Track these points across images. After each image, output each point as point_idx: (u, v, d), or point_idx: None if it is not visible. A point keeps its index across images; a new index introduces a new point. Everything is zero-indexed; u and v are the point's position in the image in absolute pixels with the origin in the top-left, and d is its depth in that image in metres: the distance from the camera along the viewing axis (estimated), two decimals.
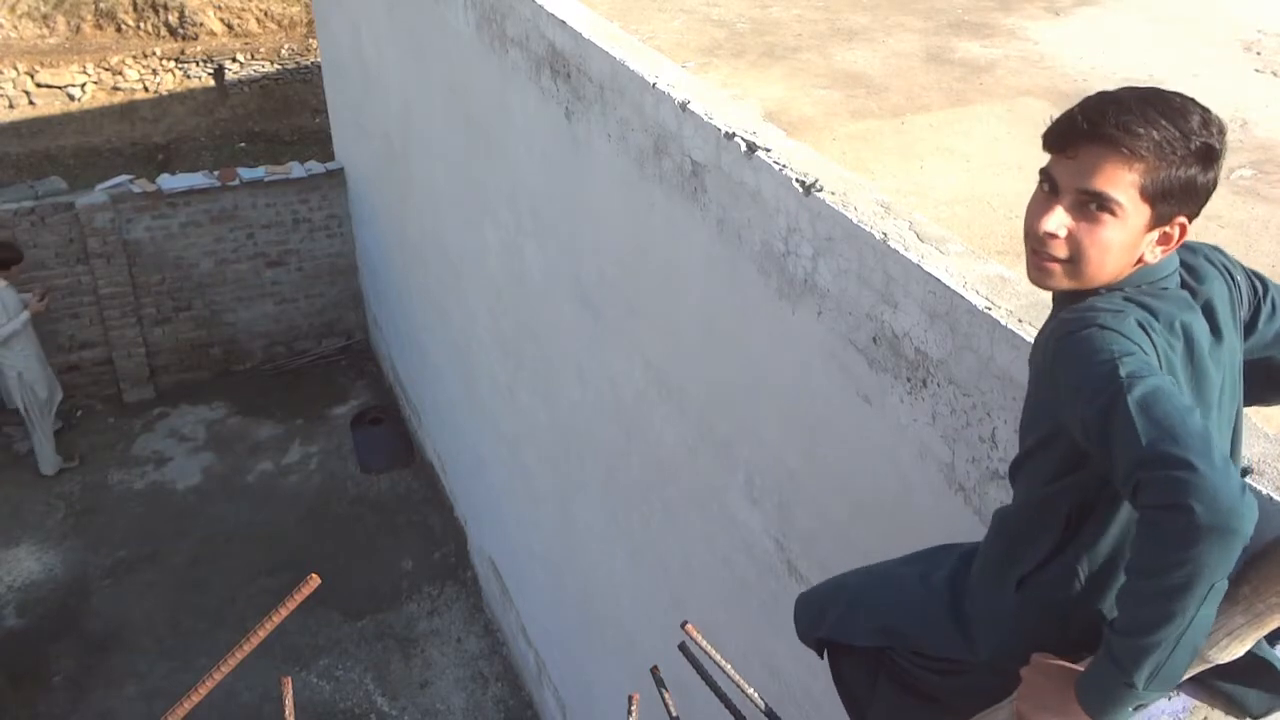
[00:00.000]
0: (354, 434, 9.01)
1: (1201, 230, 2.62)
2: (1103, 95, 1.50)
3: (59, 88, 13.20)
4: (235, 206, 9.32)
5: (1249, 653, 1.46)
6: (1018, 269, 2.33)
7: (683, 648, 2.10)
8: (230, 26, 14.10)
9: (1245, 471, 1.72)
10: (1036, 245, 1.53)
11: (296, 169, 9.52)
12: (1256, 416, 1.83)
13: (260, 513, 8.38)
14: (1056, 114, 1.53)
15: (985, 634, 1.68)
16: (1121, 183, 1.45)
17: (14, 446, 8.95)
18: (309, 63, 13.85)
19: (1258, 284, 1.69)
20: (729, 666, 2.00)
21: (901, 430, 2.48)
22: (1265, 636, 1.45)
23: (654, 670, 2.18)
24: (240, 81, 13.90)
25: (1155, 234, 1.50)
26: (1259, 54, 4.02)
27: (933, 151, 3.22)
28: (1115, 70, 3.72)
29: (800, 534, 3.09)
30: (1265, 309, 1.69)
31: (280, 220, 9.55)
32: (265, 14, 14.20)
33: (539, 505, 5.97)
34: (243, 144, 13.63)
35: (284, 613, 1.50)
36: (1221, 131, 1.47)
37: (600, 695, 5.54)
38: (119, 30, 13.76)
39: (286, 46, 14.02)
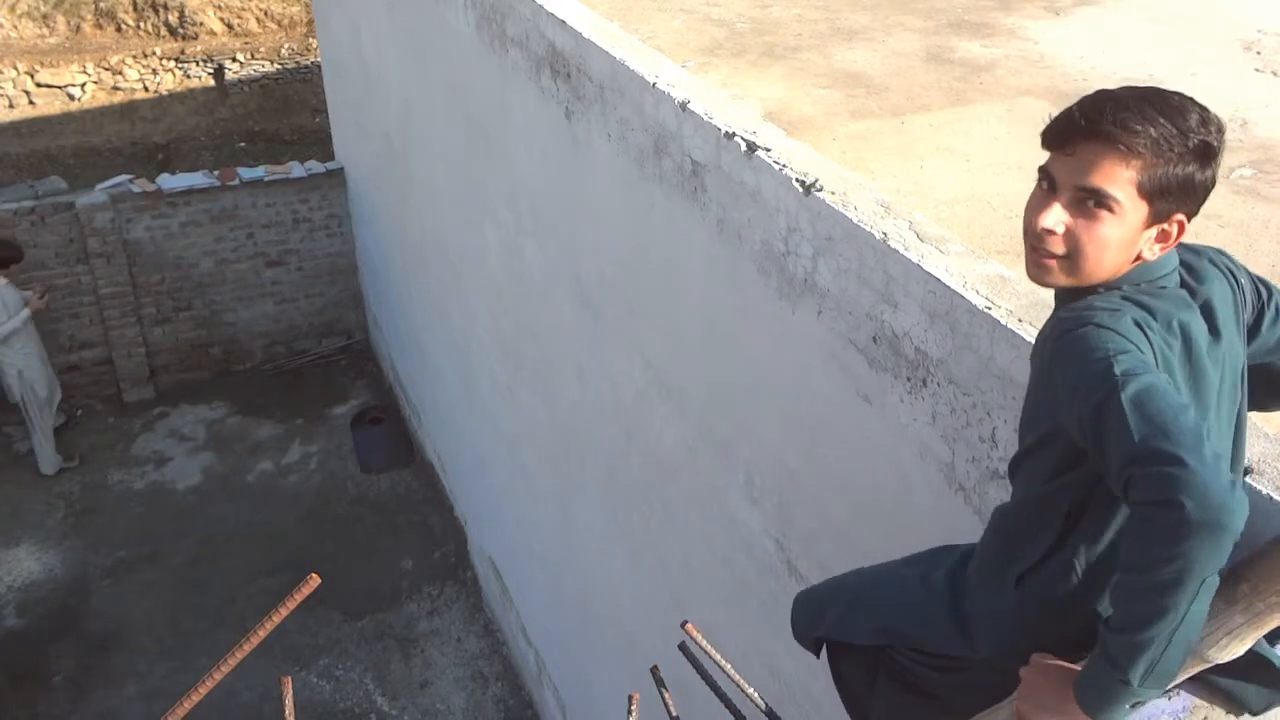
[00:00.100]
0: (354, 434, 9.01)
1: (1201, 230, 2.63)
2: (1101, 93, 1.50)
3: (59, 87, 13.20)
4: (235, 206, 9.33)
5: (1249, 651, 1.46)
6: (1018, 269, 2.33)
7: (683, 648, 2.11)
8: (230, 26, 14.10)
9: (1246, 471, 1.72)
10: (1035, 242, 1.53)
11: (296, 169, 9.52)
12: (1256, 417, 1.83)
13: (260, 513, 8.38)
14: (1056, 113, 1.53)
15: (984, 631, 1.69)
16: (1119, 180, 1.45)
17: (14, 446, 8.95)
18: (309, 62, 13.85)
19: (1262, 289, 1.70)
20: (729, 666, 2.00)
21: (901, 430, 2.48)
22: (1265, 635, 1.45)
23: (654, 670, 2.18)
24: (240, 81, 13.90)
25: (1153, 231, 1.50)
26: (1259, 54, 4.02)
27: (933, 151, 3.21)
28: (1115, 70, 3.72)
29: (800, 534, 3.09)
30: (1269, 314, 1.69)
31: (280, 220, 9.55)
32: (265, 14, 14.20)
33: (539, 505, 5.97)
34: (243, 144, 13.63)
35: (284, 613, 1.50)
36: (1220, 130, 1.47)
37: (600, 695, 5.54)
38: (119, 30, 13.76)
39: (286, 46, 14.02)
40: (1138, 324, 1.44)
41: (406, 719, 6.86)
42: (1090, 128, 1.46)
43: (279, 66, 14.03)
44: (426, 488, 8.73)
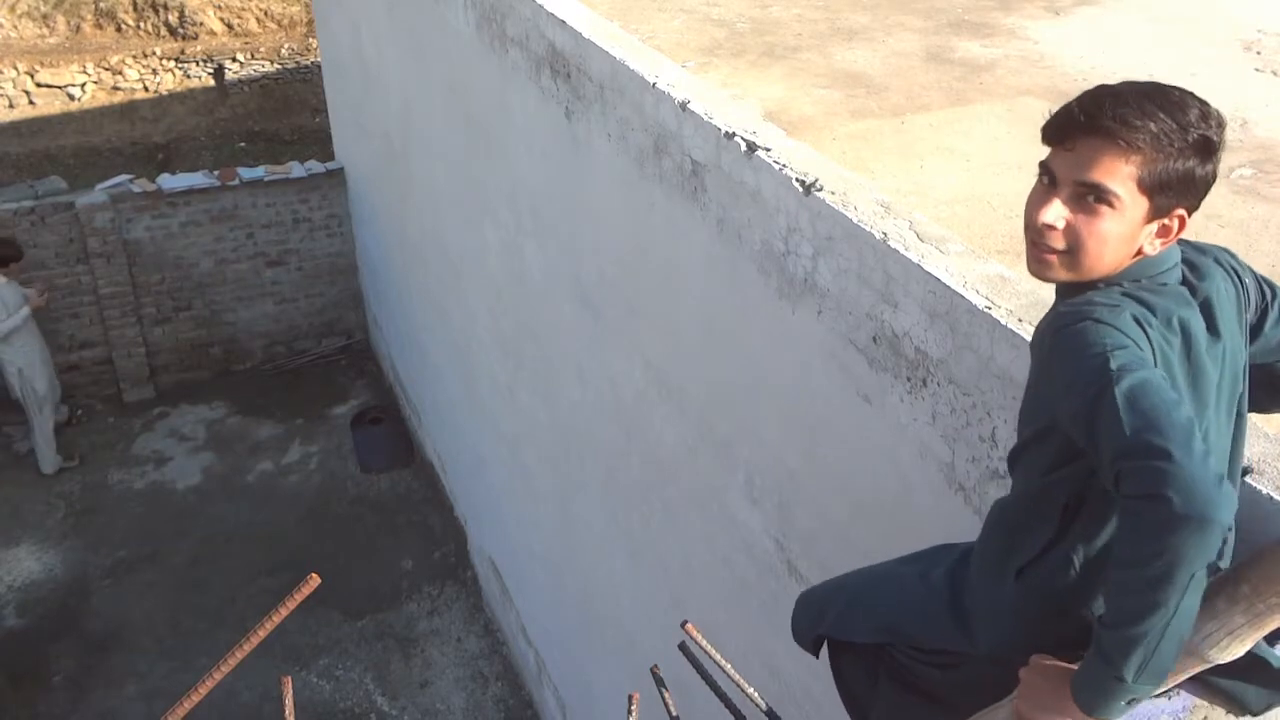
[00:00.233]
0: (354, 434, 9.01)
1: (1201, 230, 2.63)
2: (1101, 88, 1.50)
3: (59, 87, 13.20)
4: (235, 206, 9.33)
5: (1249, 652, 1.46)
6: (1018, 268, 2.33)
7: (683, 647, 2.11)
8: (230, 26, 14.10)
9: (1246, 471, 1.72)
10: (1035, 237, 1.54)
11: (296, 169, 9.52)
12: (1256, 417, 1.83)
13: (260, 513, 8.38)
14: (1056, 109, 1.54)
15: (984, 626, 1.69)
16: (1119, 175, 1.45)
17: (14, 446, 8.95)
18: (309, 62, 13.84)
19: (1267, 289, 1.70)
20: (729, 666, 2.00)
21: (901, 430, 2.48)
22: (1265, 636, 1.45)
23: (654, 670, 2.18)
24: (240, 81, 13.90)
25: (1154, 226, 1.51)
26: (1259, 54, 4.02)
27: (933, 151, 3.21)
28: (1115, 70, 3.71)
29: (800, 534, 3.09)
30: (1273, 314, 1.69)
31: (280, 220, 9.55)
32: (265, 14, 14.19)
33: (539, 505, 5.97)
34: (243, 144, 13.63)
35: (284, 613, 1.50)
36: (1220, 125, 1.47)
37: (600, 695, 5.54)
38: (119, 30, 13.76)
39: (286, 46, 14.02)
40: (1136, 320, 1.44)
41: (406, 719, 6.86)
42: (1090, 123, 1.46)
43: (279, 66, 14.02)
44: (426, 488, 8.73)
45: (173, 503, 8.46)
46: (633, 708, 2.06)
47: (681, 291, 3.53)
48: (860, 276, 2.51)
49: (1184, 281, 1.57)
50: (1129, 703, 1.36)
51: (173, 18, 13.81)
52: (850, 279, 2.55)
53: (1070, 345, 1.43)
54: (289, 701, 1.75)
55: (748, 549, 3.44)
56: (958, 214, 2.84)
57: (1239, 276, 1.65)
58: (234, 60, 13.83)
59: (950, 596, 1.76)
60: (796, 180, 2.67)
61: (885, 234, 2.40)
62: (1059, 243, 1.51)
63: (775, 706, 2.09)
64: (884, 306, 2.44)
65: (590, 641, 5.56)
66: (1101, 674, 1.35)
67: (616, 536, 4.78)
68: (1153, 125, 1.43)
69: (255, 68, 13.92)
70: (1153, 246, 1.52)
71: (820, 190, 2.60)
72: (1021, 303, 2.12)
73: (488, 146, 5.34)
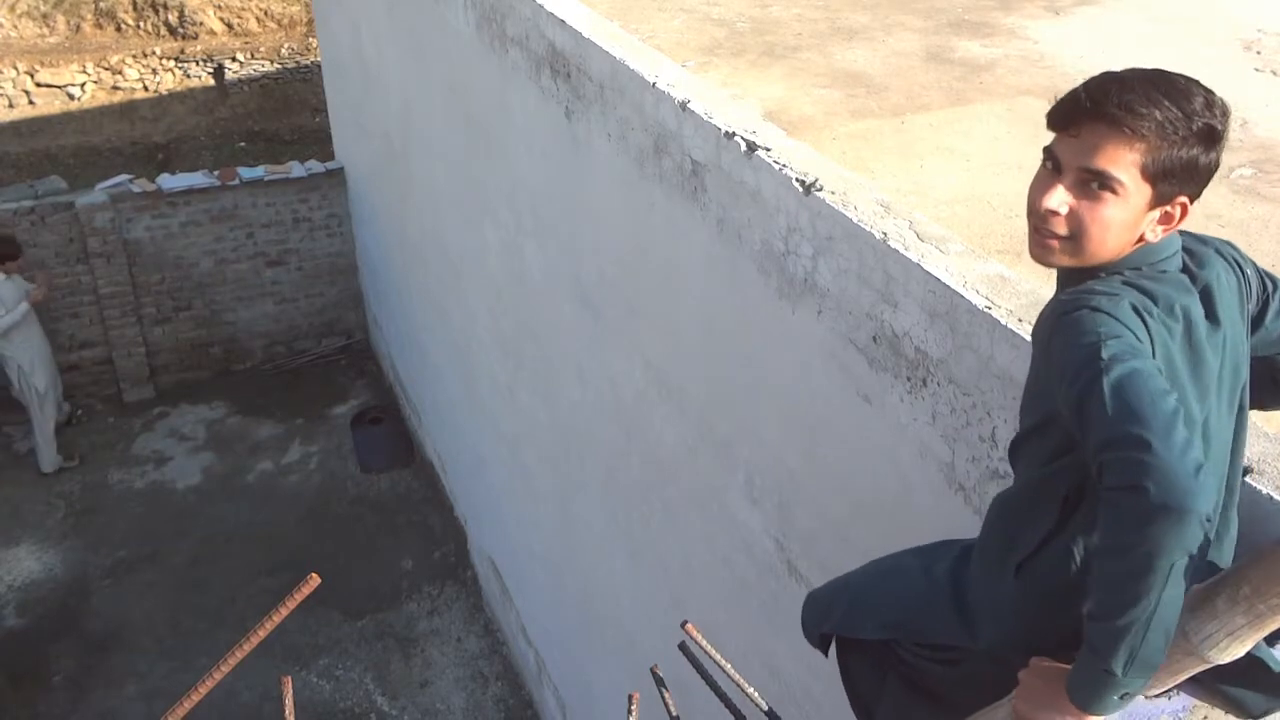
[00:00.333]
0: (354, 434, 9.00)
1: (1201, 230, 2.62)
2: (1107, 75, 1.51)
3: (59, 87, 13.20)
4: (235, 206, 9.32)
5: (1249, 654, 1.46)
6: (1018, 268, 2.33)
7: (683, 647, 2.11)
8: (230, 26, 14.10)
9: (1246, 471, 1.72)
10: (1038, 223, 1.54)
11: (296, 168, 9.52)
12: (1256, 417, 1.83)
13: (260, 513, 8.38)
14: (1062, 95, 1.54)
15: (986, 621, 1.69)
16: (1123, 161, 1.46)
17: (14, 446, 8.95)
18: (309, 62, 13.84)
19: (1268, 281, 1.70)
20: (729, 666, 2.00)
21: (901, 430, 2.48)
22: (1265, 637, 1.45)
23: (654, 670, 2.18)
24: (240, 81, 13.90)
25: (1156, 213, 1.51)
26: (1259, 53, 4.02)
27: (933, 151, 3.21)
28: (1115, 69, 3.71)
29: (800, 534, 3.09)
30: (1274, 305, 1.69)
31: (280, 220, 9.55)
32: (265, 13, 14.19)
33: (539, 505, 5.97)
34: (243, 143, 13.63)
35: (284, 612, 1.50)
36: (1225, 113, 1.48)
37: (600, 695, 5.54)
38: (119, 30, 13.76)
39: (286, 46, 14.02)
40: (1136, 309, 1.45)
41: (406, 719, 6.86)
42: (1095, 109, 1.47)
43: (279, 66, 14.02)
44: (426, 488, 8.73)
45: (173, 503, 8.46)
46: (633, 708, 2.06)
47: (681, 291, 3.53)
48: (860, 276, 2.50)
49: (1184, 269, 1.57)
50: (1122, 697, 1.36)
51: (173, 17, 13.81)
52: (850, 279, 2.55)
53: (1066, 333, 1.44)
54: (289, 701, 1.75)
55: (748, 549, 3.44)
56: (958, 214, 2.84)
57: (1240, 268, 1.65)
58: (234, 60, 13.83)
59: (953, 592, 1.76)
60: (796, 180, 2.67)
61: (885, 234, 2.40)
62: (1062, 228, 1.51)
63: (775, 706, 2.09)
64: (884, 306, 2.44)
65: (590, 641, 5.56)
66: (1092, 668, 1.36)
67: (616, 536, 4.78)
68: (1158, 113, 1.44)
69: (255, 67, 13.92)
70: (1155, 234, 1.52)
71: (820, 190, 2.60)
72: (1021, 303, 2.12)
73: (488, 146, 5.34)
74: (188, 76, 13.73)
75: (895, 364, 2.45)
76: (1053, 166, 1.52)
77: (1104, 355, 1.36)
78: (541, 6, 4.03)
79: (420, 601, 7.69)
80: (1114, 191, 1.47)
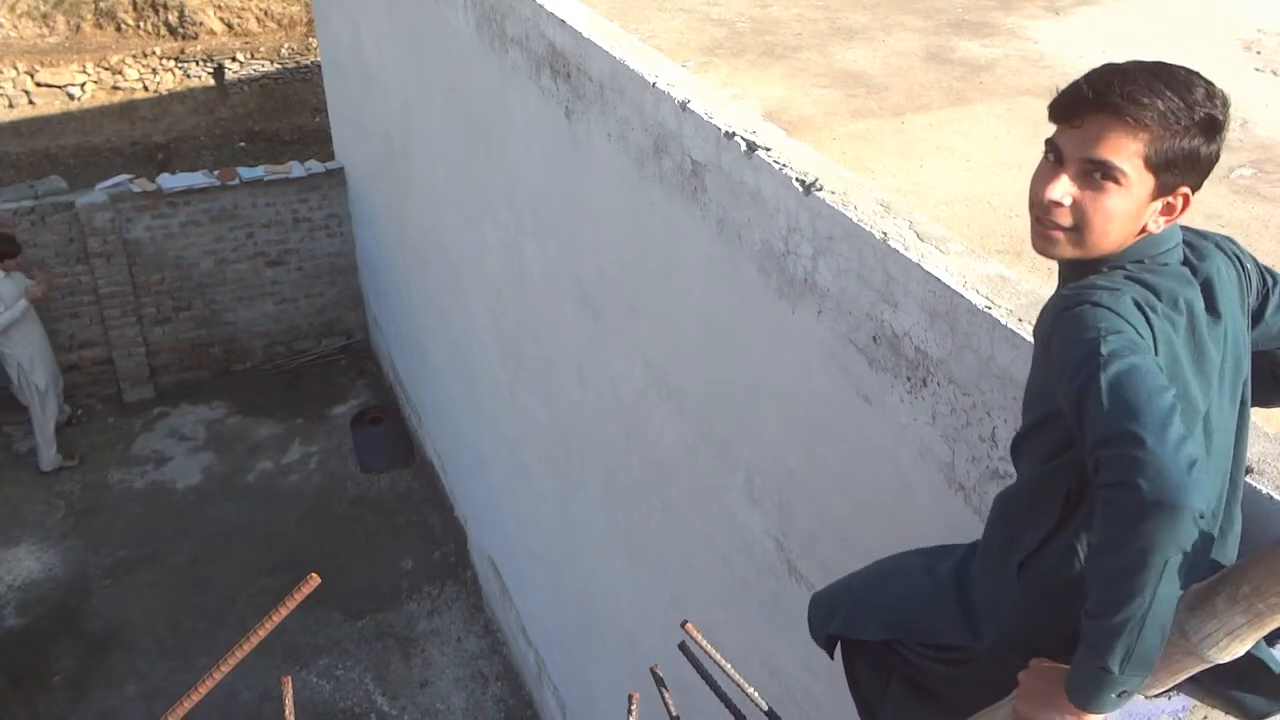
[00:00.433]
0: (354, 434, 9.00)
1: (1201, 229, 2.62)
2: (1109, 66, 1.51)
3: (59, 87, 13.19)
4: (235, 206, 9.32)
5: (1248, 654, 1.45)
6: (1018, 268, 2.33)
7: (683, 647, 2.11)
8: (230, 26, 14.10)
9: (1246, 471, 1.72)
10: (1041, 214, 1.54)
11: (296, 168, 9.52)
12: (1256, 416, 1.83)
13: (260, 513, 8.38)
14: (1064, 87, 1.54)
15: (988, 620, 1.69)
16: (1126, 152, 1.46)
17: (14, 446, 8.95)
18: (309, 62, 13.84)
19: (1268, 276, 1.71)
20: (729, 666, 1.99)
21: (901, 430, 2.48)
22: (1265, 637, 1.45)
23: (654, 670, 2.18)
24: (240, 81, 13.90)
25: (1159, 204, 1.51)
26: (1259, 53, 4.02)
27: (933, 151, 3.21)
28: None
29: (800, 534, 3.09)
30: (1274, 300, 1.70)
31: (280, 220, 9.55)
32: (265, 13, 14.19)
33: (539, 505, 5.97)
34: (243, 143, 13.63)
35: (284, 612, 1.50)
36: (1225, 104, 1.48)
37: (600, 695, 5.54)
38: (119, 30, 13.76)
39: (286, 46, 14.02)
40: (1138, 304, 1.45)
41: (406, 719, 6.86)
42: (1098, 100, 1.47)
43: (279, 66, 14.02)
44: (426, 488, 8.73)
45: (173, 503, 8.46)
46: (633, 708, 2.06)
47: (681, 291, 3.53)
48: (860, 276, 2.50)
49: (1185, 262, 1.58)
50: (1120, 695, 1.36)
51: (173, 17, 13.81)
52: (850, 279, 2.55)
53: (1067, 328, 1.44)
54: (289, 701, 1.75)
55: (748, 549, 3.44)
56: (958, 214, 2.84)
57: (1240, 262, 1.65)
58: (234, 60, 13.83)
59: (957, 591, 1.76)
60: (796, 180, 2.67)
61: (885, 234, 2.40)
62: (1065, 219, 1.51)
63: (775, 706, 2.09)
64: (884, 306, 2.44)
65: (590, 641, 5.56)
66: (1089, 666, 1.36)
67: (616, 536, 4.78)
68: (1160, 103, 1.44)
69: (255, 67, 13.92)
70: (1157, 225, 1.53)
71: (820, 190, 2.60)
72: (1021, 303, 2.12)
73: (488, 146, 5.34)
74: (188, 76, 13.72)
75: (895, 364, 2.45)
76: (1055, 158, 1.53)
77: (1103, 351, 1.36)
78: (541, 6, 4.03)
79: (420, 601, 7.69)
80: (1117, 182, 1.47)
